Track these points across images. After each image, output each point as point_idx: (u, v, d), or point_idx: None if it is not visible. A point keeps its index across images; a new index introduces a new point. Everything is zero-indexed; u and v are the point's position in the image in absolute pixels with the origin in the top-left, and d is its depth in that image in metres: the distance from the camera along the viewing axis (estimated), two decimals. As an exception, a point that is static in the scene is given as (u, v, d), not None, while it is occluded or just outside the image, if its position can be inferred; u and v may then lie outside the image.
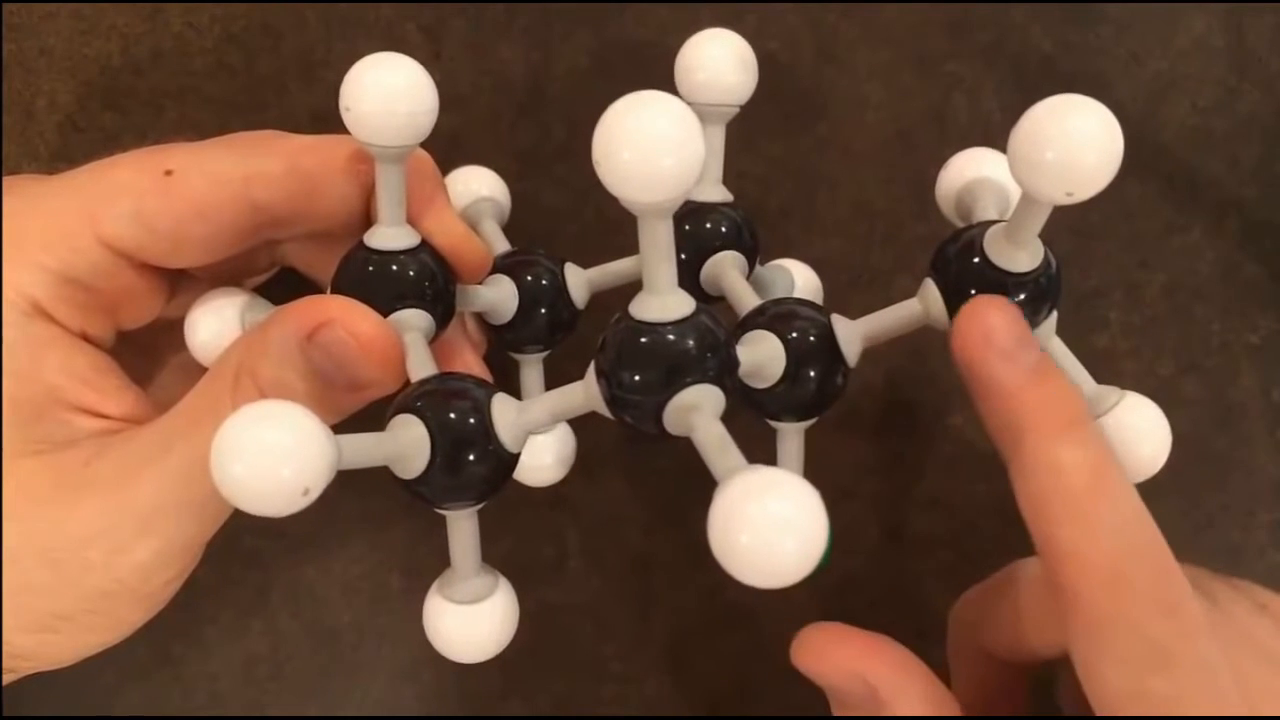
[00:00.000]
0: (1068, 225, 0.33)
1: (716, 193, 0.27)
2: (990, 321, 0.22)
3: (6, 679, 0.25)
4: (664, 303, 0.20)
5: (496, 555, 0.33)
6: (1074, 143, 0.19)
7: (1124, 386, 0.33)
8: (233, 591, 0.33)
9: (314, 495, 0.17)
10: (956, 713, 0.24)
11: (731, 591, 0.34)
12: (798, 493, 0.16)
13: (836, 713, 0.25)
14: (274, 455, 0.17)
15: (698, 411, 0.20)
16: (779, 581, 0.16)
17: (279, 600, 0.33)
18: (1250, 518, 0.33)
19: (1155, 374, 0.33)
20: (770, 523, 0.16)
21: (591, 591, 0.34)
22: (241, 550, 0.33)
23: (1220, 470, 0.33)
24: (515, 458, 0.22)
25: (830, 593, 0.34)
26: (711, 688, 0.34)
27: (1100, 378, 0.33)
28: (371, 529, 0.33)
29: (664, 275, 0.20)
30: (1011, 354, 0.22)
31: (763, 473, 0.17)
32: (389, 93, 0.22)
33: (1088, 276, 0.33)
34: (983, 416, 0.22)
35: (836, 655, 0.24)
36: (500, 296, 0.27)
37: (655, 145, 0.17)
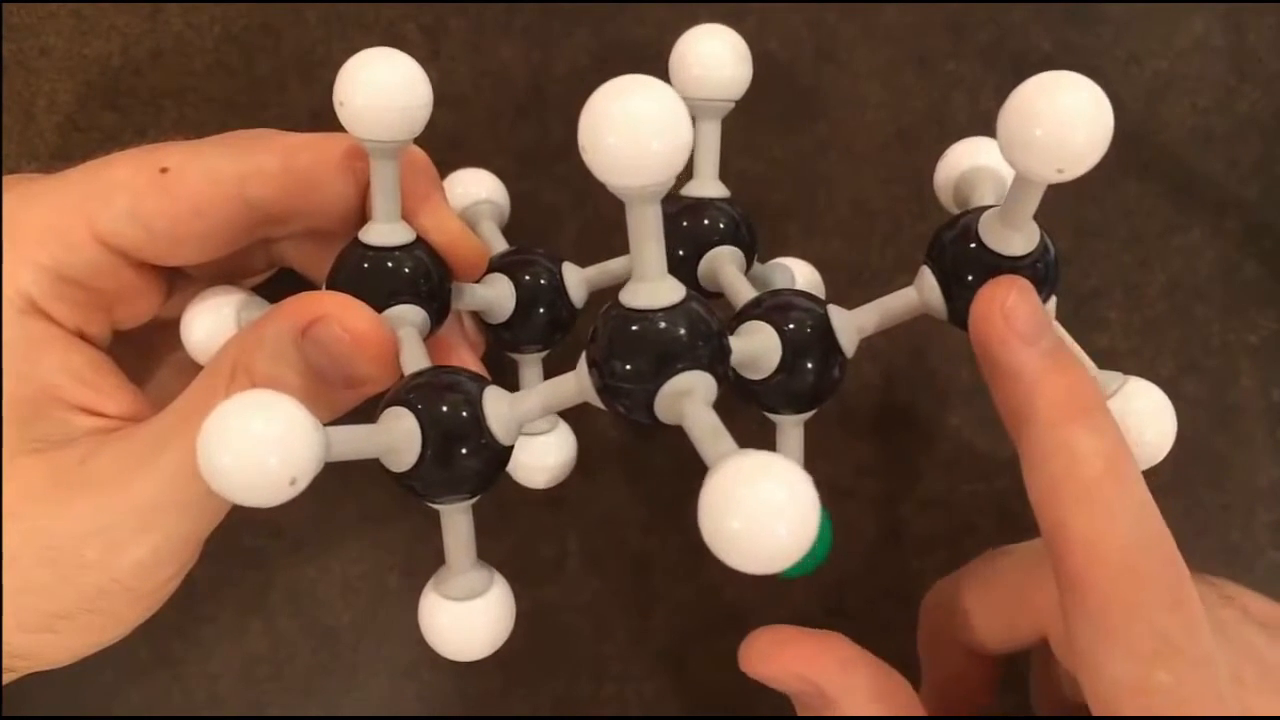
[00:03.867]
0: (1068, 225, 0.33)
1: (713, 188, 0.27)
2: (1009, 303, 0.21)
3: (6, 679, 0.25)
4: (654, 289, 0.20)
5: (497, 555, 0.33)
6: (1064, 119, 0.19)
7: (1124, 386, 0.33)
8: (233, 591, 0.33)
9: (301, 485, 0.17)
10: (908, 702, 0.23)
11: (731, 591, 0.34)
12: (789, 477, 0.16)
13: (799, 713, 0.25)
14: (261, 445, 0.17)
15: (689, 398, 0.20)
16: (770, 567, 0.16)
17: (279, 600, 0.33)
18: (1250, 518, 0.33)
19: (1155, 374, 0.33)
20: (761, 507, 0.16)
21: (591, 591, 0.34)
22: (241, 550, 0.33)
23: (1220, 470, 0.33)
24: (508, 451, 0.22)
25: (829, 591, 0.34)
26: (711, 688, 0.34)
27: (1100, 377, 0.33)
28: (371, 528, 0.33)
29: (653, 261, 0.20)
30: (1029, 337, 0.21)
31: (754, 457, 0.16)
32: (383, 87, 0.22)
33: (1088, 276, 0.33)
34: (996, 399, 0.22)
35: (781, 659, 0.24)
36: (497, 295, 0.27)
37: (641, 129, 0.17)
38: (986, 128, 0.32)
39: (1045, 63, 0.32)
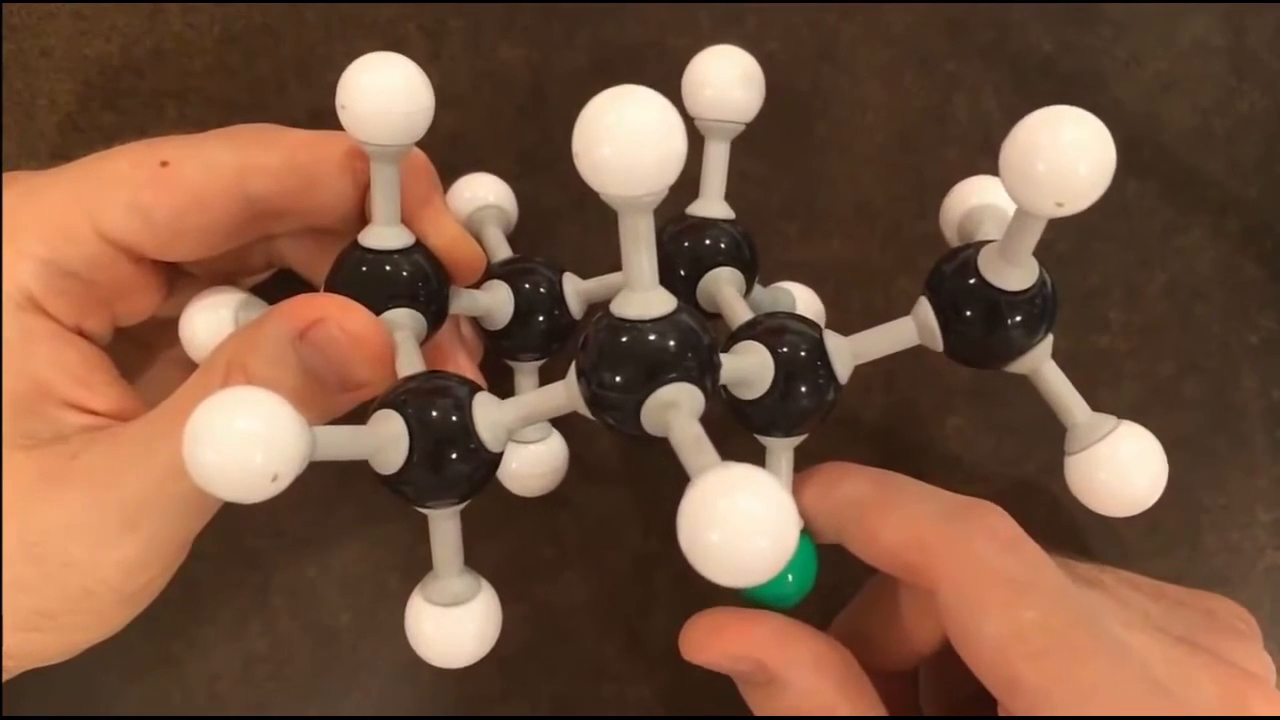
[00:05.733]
0: (1068, 225, 0.33)
1: (718, 209, 0.27)
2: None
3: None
4: (645, 300, 0.20)
5: (496, 555, 0.33)
6: (1066, 154, 0.19)
7: (1124, 386, 0.33)
8: (233, 591, 0.33)
9: (284, 483, 0.17)
10: (851, 670, 0.24)
11: (730, 592, 0.34)
12: (769, 489, 0.16)
13: (744, 694, 0.25)
14: (244, 441, 0.17)
15: (675, 409, 0.20)
16: (750, 580, 0.16)
17: (279, 600, 0.33)
18: (1250, 518, 0.33)
19: (1155, 374, 0.33)
20: (740, 520, 0.16)
21: (591, 591, 0.34)
22: (241, 550, 0.33)
23: (1220, 470, 0.33)
24: (497, 457, 0.22)
25: (828, 593, 0.34)
26: (712, 688, 0.34)
27: (1100, 378, 0.33)
28: (371, 529, 0.33)
29: (645, 272, 0.20)
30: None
31: (734, 469, 0.16)
32: (385, 92, 0.22)
33: (1088, 276, 0.33)
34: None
35: (718, 642, 0.24)
36: (496, 302, 0.27)
37: (635, 140, 0.17)
38: (987, 128, 0.32)
39: (1045, 63, 0.32)
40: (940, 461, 0.33)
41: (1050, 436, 0.33)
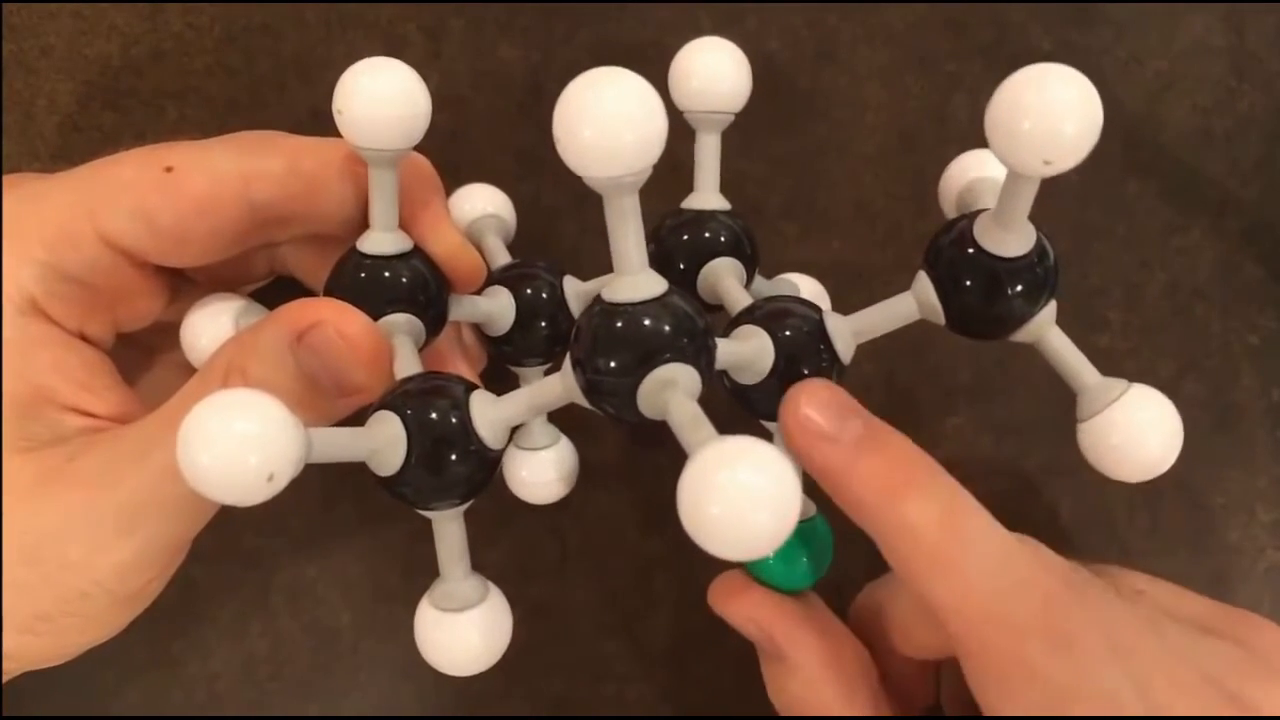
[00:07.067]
0: (1068, 225, 0.33)
1: (715, 201, 0.27)
2: (803, 410, 0.22)
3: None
4: (635, 283, 0.20)
5: (497, 555, 0.33)
6: (1052, 111, 0.19)
7: (1124, 387, 0.33)
8: (233, 591, 0.33)
9: (279, 484, 0.17)
10: (860, 670, 0.24)
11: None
12: (770, 461, 0.16)
13: (764, 668, 0.25)
14: (239, 442, 0.17)
15: (672, 389, 0.20)
16: (751, 554, 0.16)
17: (279, 600, 0.33)
18: (1250, 518, 0.33)
19: (1155, 374, 0.33)
20: (741, 492, 0.16)
21: (591, 591, 0.34)
22: (241, 550, 0.33)
23: (1220, 470, 0.33)
24: (497, 456, 0.22)
25: (830, 593, 0.34)
26: (711, 688, 0.34)
27: (1100, 378, 0.33)
28: (371, 528, 0.33)
29: (633, 254, 0.20)
30: (832, 435, 0.22)
31: (733, 442, 0.16)
32: (381, 96, 0.22)
33: (1088, 276, 0.33)
34: (836, 501, 0.23)
35: (743, 601, 0.24)
36: (497, 307, 0.26)
37: (615, 121, 0.17)
38: (987, 128, 0.32)
39: (1045, 63, 0.32)
40: (940, 461, 0.33)
41: (1050, 436, 0.33)
